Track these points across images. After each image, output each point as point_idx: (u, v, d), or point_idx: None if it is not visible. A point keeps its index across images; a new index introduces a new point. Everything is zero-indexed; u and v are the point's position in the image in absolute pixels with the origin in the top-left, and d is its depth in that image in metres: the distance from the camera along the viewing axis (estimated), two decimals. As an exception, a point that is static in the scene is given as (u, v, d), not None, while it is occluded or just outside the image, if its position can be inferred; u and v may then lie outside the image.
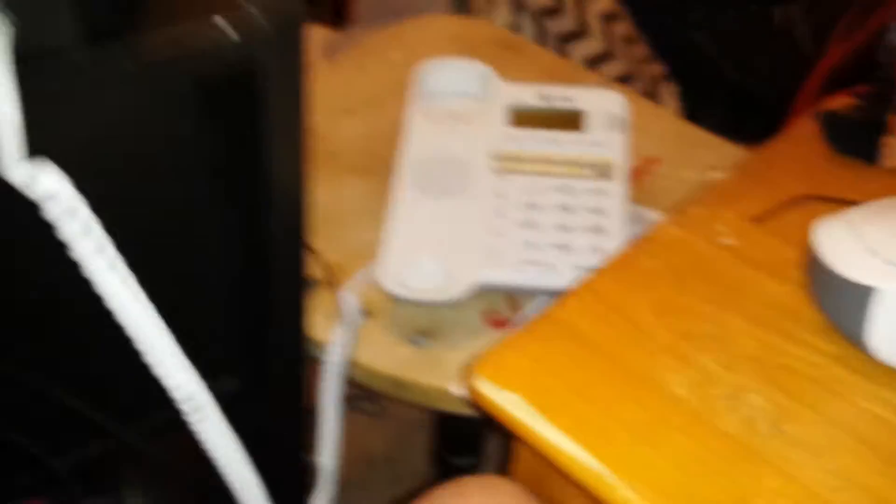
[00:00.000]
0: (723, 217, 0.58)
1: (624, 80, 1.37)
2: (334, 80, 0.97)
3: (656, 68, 1.48)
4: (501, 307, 0.70)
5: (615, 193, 0.73)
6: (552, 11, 1.35)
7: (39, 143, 0.31)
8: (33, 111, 0.31)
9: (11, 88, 0.30)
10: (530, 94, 0.80)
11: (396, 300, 0.68)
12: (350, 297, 0.68)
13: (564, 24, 1.35)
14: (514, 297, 0.71)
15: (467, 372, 0.47)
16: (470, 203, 0.73)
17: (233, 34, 0.35)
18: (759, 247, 0.56)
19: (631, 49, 1.43)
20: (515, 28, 1.33)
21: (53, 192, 0.31)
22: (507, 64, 0.98)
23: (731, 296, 0.52)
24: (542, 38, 1.33)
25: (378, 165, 0.81)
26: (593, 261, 0.69)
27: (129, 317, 0.35)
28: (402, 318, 0.68)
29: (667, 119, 0.95)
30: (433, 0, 1.47)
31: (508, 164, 0.75)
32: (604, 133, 0.77)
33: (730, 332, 0.50)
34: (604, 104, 0.79)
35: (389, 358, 0.66)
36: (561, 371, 0.46)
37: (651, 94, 1.42)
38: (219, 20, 0.34)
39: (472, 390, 0.46)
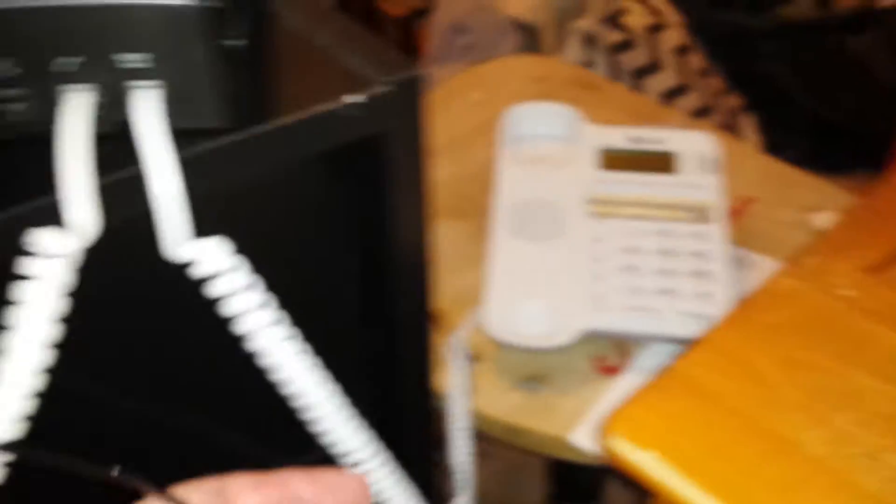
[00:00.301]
0: (838, 268, 0.56)
1: (701, 113, 1.36)
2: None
3: (733, 100, 1.46)
4: (610, 353, 0.69)
5: (715, 237, 0.72)
6: (624, 46, 1.34)
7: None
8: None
9: (177, 167, 0.30)
10: (619, 137, 0.79)
11: (504, 346, 0.68)
12: (460, 343, 0.68)
13: (638, 58, 1.34)
14: (622, 343, 0.70)
15: (599, 430, 0.47)
16: (568, 247, 0.72)
17: (360, 107, 0.35)
18: (878, 299, 0.54)
19: (706, 81, 1.41)
20: (588, 64, 1.33)
21: (226, 267, 0.32)
22: (587, 103, 0.98)
23: (855, 350, 0.51)
24: (615, 73, 1.33)
25: (470, 207, 0.81)
26: (699, 306, 0.68)
27: (302, 386, 0.36)
28: (512, 364, 0.68)
29: (756, 157, 0.94)
30: (502, 38, 1.48)
31: (603, 207, 0.74)
32: (697, 175, 0.76)
33: (859, 389, 0.48)
34: (694, 145, 0.78)
35: (502, 403, 0.65)
36: (694, 429, 0.45)
37: (730, 127, 1.40)
38: (348, 98, 0.35)
39: (608, 449, 0.45)
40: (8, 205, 0.29)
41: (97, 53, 0.30)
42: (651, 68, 1.35)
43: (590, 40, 1.33)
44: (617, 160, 0.77)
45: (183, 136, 0.32)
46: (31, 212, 0.29)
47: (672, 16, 1.42)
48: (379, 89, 0.35)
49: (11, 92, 0.30)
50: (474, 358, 0.69)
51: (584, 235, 0.73)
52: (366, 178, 0.40)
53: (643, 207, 0.74)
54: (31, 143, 0.32)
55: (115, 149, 0.32)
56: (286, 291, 0.38)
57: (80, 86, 0.31)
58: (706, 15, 1.53)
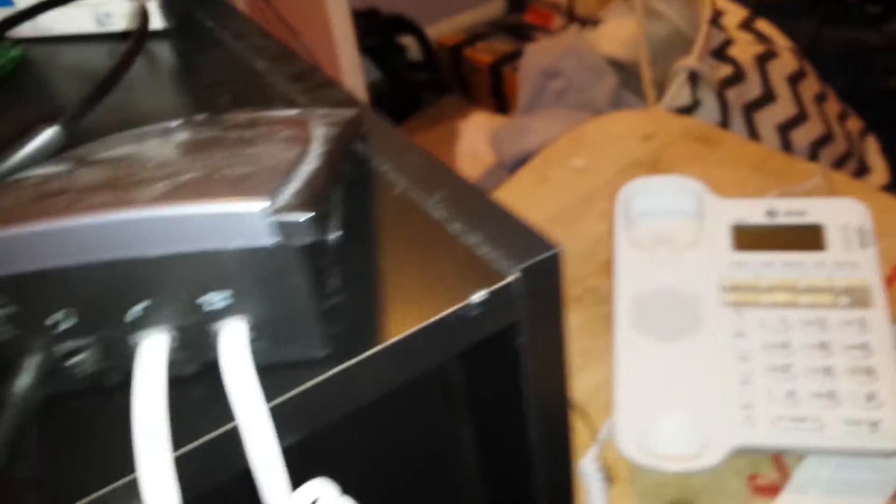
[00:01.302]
0: None
1: (822, 143, 1.25)
2: (516, 194, 0.91)
3: (854, 123, 1.35)
4: (765, 469, 0.61)
5: (877, 324, 0.63)
6: (734, 80, 1.25)
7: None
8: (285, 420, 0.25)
9: (269, 421, 0.24)
10: (754, 210, 0.70)
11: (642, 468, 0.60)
12: (593, 467, 0.60)
13: (749, 91, 1.24)
14: (778, 457, 0.61)
15: None
16: (706, 345, 0.64)
17: (488, 304, 0.28)
18: None
19: (823, 107, 1.30)
20: (695, 104, 1.24)
21: None
22: (705, 160, 0.90)
23: None
24: (725, 109, 1.23)
25: (583, 293, 0.74)
26: (865, 412, 0.59)
27: None
28: (653, 486, 0.60)
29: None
30: (598, 79, 1.40)
31: (743, 295, 0.66)
32: (849, 250, 0.67)
33: None
34: (843, 215, 0.69)
35: (643, 541, 0.57)
36: None
37: (853, 153, 1.29)
38: (477, 296, 0.28)
39: None
40: (76, 480, 0.23)
41: (174, 298, 0.24)
42: (764, 100, 1.25)
43: (695, 78, 1.23)
44: (753, 238, 0.69)
45: (278, 371, 0.26)
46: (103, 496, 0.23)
47: (781, 40, 1.32)
48: (509, 278, 0.29)
49: (76, 343, 0.25)
50: (606, 479, 0.61)
51: (723, 331, 0.64)
52: (497, 372, 0.34)
53: (789, 293, 0.65)
54: (96, 393, 0.27)
55: (195, 396, 0.26)
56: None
57: (153, 330, 0.25)
58: (818, 34, 1.42)
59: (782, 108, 1.25)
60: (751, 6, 1.36)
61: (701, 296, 0.66)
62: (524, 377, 0.31)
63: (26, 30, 0.49)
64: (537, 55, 1.50)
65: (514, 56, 1.93)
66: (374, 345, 0.27)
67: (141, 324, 0.25)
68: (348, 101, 0.39)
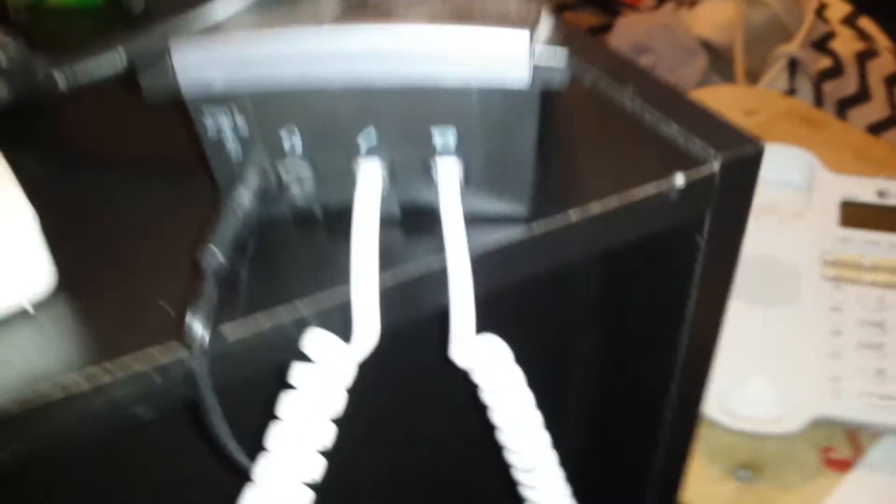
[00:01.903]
0: None
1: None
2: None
3: (942, 136, 1.32)
4: (840, 444, 0.60)
5: (980, 315, 0.62)
6: (832, 73, 1.23)
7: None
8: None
9: (469, 266, 0.25)
10: (864, 188, 0.70)
11: (718, 427, 0.60)
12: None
13: (846, 87, 1.22)
14: (854, 433, 0.61)
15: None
16: (802, 315, 0.64)
17: (686, 191, 0.28)
18: None
19: (916, 115, 1.28)
20: (791, 92, 1.22)
21: (504, 369, 0.26)
22: (809, 142, 0.89)
23: None
24: (819, 103, 1.21)
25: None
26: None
27: (545, 480, 0.30)
28: (724, 447, 0.60)
29: None
30: (689, 59, 1.38)
31: (844, 271, 0.65)
32: (958, 240, 0.66)
33: None
34: (956, 205, 0.68)
35: (712, 497, 0.58)
36: None
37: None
38: (679, 179, 0.28)
39: None
40: (285, 296, 0.24)
41: (399, 129, 0.25)
42: (859, 98, 1.23)
43: (794, 66, 1.22)
44: (861, 216, 0.68)
45: (482, 224, 0.27)
46: (314, 314, 0.24)
47: (883, 40, 1.29)
48: (709, 168, 0.29)
49: (299, 167, 0.26)
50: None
51: (821, 303, 0.64)
52: (660, 264, 0.34)
53: (891, 274, 0.65)
54: (306, 220, 0.28)
55: (398, 233, 0.27)
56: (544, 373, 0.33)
57: (371, 160, 0.26)
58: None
59: (876, 109, 1.22)
60: (854, 3, 1.33)
61: (802, 267, 0.66)
62: (696, 278, 0.32)
63: None
64: (629, 29, 1.48)
65: (602, 29, 1.90)
66: (576, 212, 0.27)
67: (366, 149, 0.25)
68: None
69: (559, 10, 2.15)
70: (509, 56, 0.23)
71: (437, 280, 0.26)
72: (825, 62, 1.23)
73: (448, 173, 0.26)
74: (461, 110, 0.24)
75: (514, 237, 0.27)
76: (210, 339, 0.22)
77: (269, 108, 0.25)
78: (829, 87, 1.22)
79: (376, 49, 0.23)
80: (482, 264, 0.26)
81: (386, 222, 0.26)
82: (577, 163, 0.30)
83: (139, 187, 0.30)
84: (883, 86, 1.25)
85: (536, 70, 0.23)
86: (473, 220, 0.26)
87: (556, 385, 0.43)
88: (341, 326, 0.25)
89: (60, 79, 0.31)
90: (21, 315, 0.24)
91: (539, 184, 0.27)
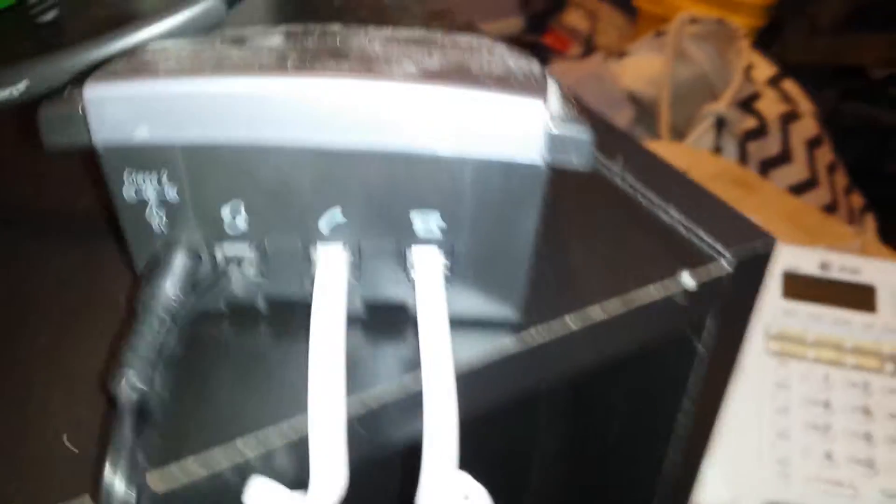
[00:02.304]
0: None
1: (827, 211, 1.24)
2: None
3: (857, 199, 1.35)
4: (789, 529, 0.57)
5: (924, 397, 0.60)
6: (756, 133, 1.23)
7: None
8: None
9: (454, 391, 0.20)
10: (807, 260, 0.68)
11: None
12: None
13: (769, 147, 1.23)
14: (802, 518, 0.58)
15: None
16: (746, 393, 0.61)
17: (687, 288, 0.24)
18: None
19: (833, 178, 1.30)
20: (716, 150, 1.22)
21: None
22: (742, 205, 0.87)
23: None
24: (743, 162, 1.22)
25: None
26: (905, 485, 0.56)
27: None
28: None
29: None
30: (616, 111, 1.38)
31: (788, 346, 0.63)
32: (902, 317, 0.65)
33: None
34: (897, 280, 0.67)
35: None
36: None
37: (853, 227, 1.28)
38: (685, 279, 0.24)
39: None
40: (223, 432, 0.19)
41: (370, 208, 0.20)
42: (781, 159, 1.24)
43: (720, 124, 1.22)
44: (804, 289, 0.66)
45: (464, 331, 0.22)
46: (259, 455, 0.19)
47: (805, 104, 1.31)
48: (719, 267, 0.25)
49: (241, 249, 0.20)
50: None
51: (765, 379, 0.61)
52: (650, 372, 0.30)
53: (835, 350, 0.63)
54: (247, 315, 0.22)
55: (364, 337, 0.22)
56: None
57: (334, 247, 0.21)
58: (837, 106, 1.42)
59: (797, 171, 1.24)
60: (777, 66, 1.35)
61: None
62: (690, 389, 0.28)
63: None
64: (559, 76, 1.47)
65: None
66: (572, 316, 0.23)
67: (327, 234, 0.20)
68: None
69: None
70: (520, 126, 0.18)
71: (409, 405, 0.21)
72: (750, 122, 1.23)
73: (429, 267, 0.21)
74: (450, 188, 0.20)
75: (505, 349, 0.22)
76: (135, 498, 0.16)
77: (208, 173, 0.19)
78: (753, 146, 1.23)
79: (351, 108, 0.18)
80: (464, 383, 0.21)
81: (347, 322, 0.21)
82: (566, 253, 0.25)
83: (31, 257, 0.24)
84: (804, 148, 1.27)
85: (553, 141, 0.19)
86: (452, 325, 0.22)
87: (517, 491, 0.38)
88: (295, 465, 0.19)
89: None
90: None
91: (531, 281, 0.22)
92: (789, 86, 1.32)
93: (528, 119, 0.18)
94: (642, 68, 1.45)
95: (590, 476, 0.36)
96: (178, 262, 0.20)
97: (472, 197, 0.20)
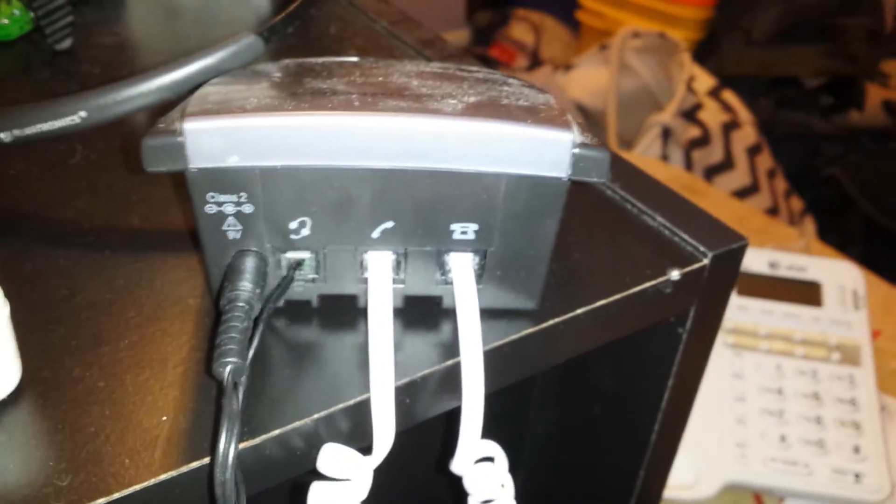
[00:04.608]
0: None
1: (768, 214, 1.31)
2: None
3: (796, 203, 1.42)
4: (748, 507, 0.62)
5: (867, 382, 0.66)
6: (700, 142, 1.30)
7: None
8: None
9: (482, 366, 0.24)
10: (757, 260, 0.73)
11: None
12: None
13: (712, 155, 1.30)
14: (760, 497, 0.63)
15: None
16: (708, 382, 0.65)
17: (681, 284, 0.28)
18: None
19: (773, 183, 1.37)
20: (664, 159, 1.28)
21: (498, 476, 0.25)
22: (693, 210, 0.92)
23: None
24: (689, 169, 1.28)
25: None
26: (850, 463, 0.61)
27: None
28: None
29: (881, 287, 0.88)
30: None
31: (743, 338, 0.68)
32: (844, 310, 0.70)
33: None
34: (839, 277, 0.72)
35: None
36: None
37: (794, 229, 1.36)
38: (674, 274, 0.28)
39: None
40: (299, 410, 0.22)
41: (416, 221, 0.23)
42: (724, 166, 1.30)
43: (666, 134, 1.28)
44: (755, 285, 0.71)
45: (490, 319, 0.26)
46: (330, 416, 0.22)
47: (744, 113, 1.38)
48: (700, 263, 0.29)
49: (304, 256, 0.24)
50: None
51: (723, 370, 0.66)
52: (639, 355, 0.34)
53: (786, 342, 0.68)
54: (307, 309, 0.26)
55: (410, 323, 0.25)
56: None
57: (383, 254, 0.24)
58: (773, 114, 1.49)
59: (739, 177, 1.30)
60: (716, 78, 1.42)
61: (702, 333, 0.68)
62: (675, 368, 0.32)
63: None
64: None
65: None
66: (581, 306, 0.27)
67: (378, 242, 0.24)
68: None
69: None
70: (552, 151, 0.22)
71: (446, 381, 0.24)
72: (694, 131, 1.30)
73: (464, 271, 0.25)
74: (486, 202, 0.23)
75: (524, 332, 0.26)
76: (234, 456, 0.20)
77: (281, 192, 0.23)
78: (697, 154, 1.29)
79: (411, 142, 0.22)
80: (491, 360, 0.25)
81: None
82: (572, 253, 0.29)
83: (109, 265, 0.27)
84: (745, 155, 1.34)
85: (577, 160, 0.22)
86: (481, 314, 0.25)
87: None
88: (351, 429, 0.23)
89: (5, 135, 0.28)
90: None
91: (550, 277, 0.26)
92: (728, 96, 1.39)
93: (558, 145, 0.22)
94: (588, 81, 1.51)
95: (578, 454, 0.40)
96: (252, 266, 0.24)
97: (504, 209, 0.23)
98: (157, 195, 0.30)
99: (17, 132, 0.28)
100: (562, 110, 0.24)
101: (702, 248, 0.29)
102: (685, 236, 0.30)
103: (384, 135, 0.22)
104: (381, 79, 0.25)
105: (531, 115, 0.23)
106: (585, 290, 0.27)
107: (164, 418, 0.22)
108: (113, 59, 0.41)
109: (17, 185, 0.31)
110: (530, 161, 0.22)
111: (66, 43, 0.41)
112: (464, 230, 0.24)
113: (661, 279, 0.28)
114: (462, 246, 0.24)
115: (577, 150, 0.22)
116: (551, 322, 0.26)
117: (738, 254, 0.30)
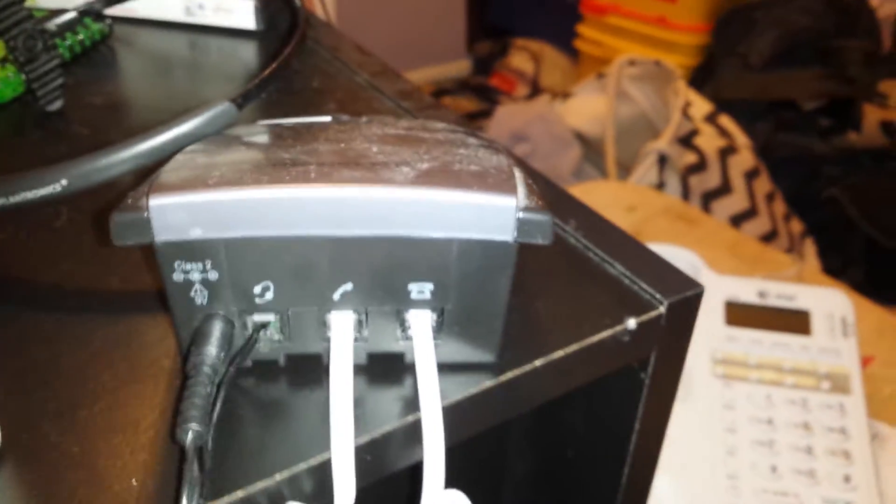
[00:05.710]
0: None
1: (768, 238, 1.32)
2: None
3: (796, 225, 1.43)
4: (740, 539, 0.63)
5: (857, 411, 0.67)
6: (697, 168, 1.31)
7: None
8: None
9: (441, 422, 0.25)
10: (746, 289, 0.74)
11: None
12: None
13: (709, 180, 1.31)
14: (754, 528, 0.63)
15: None
16: (696, 414, 0.66)
17: (638, 332, 0.30)
18: None
19: (772, 206, 1.38)
20: (660, 185, 1.29)
21: None
22: (685, 238, 0.94)
23: None
24: (686, 195, 1.29)
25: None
26: (841, 492, 0.62)
27: None
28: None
29: (873, 311, 0.89)
30: (563, 149, 1.45)
31: (732, 369, 0.69)
32: (833, 339, 0.71)
33: None
34: (828, 305, 0.73)
35: None
36: None
37: (792, 252, 1.36)
38: (631, 323, 0.29)
39: None
40: (261, 468, 0.23)
41: (375, 282, 0.25)
42: (721, 191, 1.31)
43: (663, 161, 1.29)
44: (744, 316, 0.72)
45: (450, 373, 0.27)
46: (293, 476, 0.23)
47: (741, 138, 1.40)
48: (661, 309, 0.30)
49: (269, 316, 0.25)
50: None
51: (713, 401, 0.67)
52: (605, 400, 0.35)
53: (775, 372, 0.69)
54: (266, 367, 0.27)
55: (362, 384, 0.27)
56: None
57: (345, 314, 0.25)
58: (771, 138, 1.51)
59: (737, 201, 1.31)
60: (713, 103, 1.44)
61: (694, 365, 0.69)
62: (640, 412, 0.33)
63: (114, 9, 0.48)
64: (508, 118, 1.54)
65: (478, 115, 1.97)
66: (539, 357, 0.28)
67: (339, 303, 0.25)
68: (460, 125, 0.40)
69: (438, 95, 2.21)
70: (497, 216, 0.24)
71: (408, 435, 0.26)
72: (691, 157, 1.31)
73: (422, 327, 0.26)
74: (440, 263, 0.25)
75: (484, 385, 0.27)
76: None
77: (244, 260, 0.24)
78: (694, 180, 1.30)
79: (365, 207, 0.23)
80: (452, 414, 0.26)
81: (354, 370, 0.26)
82: (534, 302, 0.30)
83: (88, 327, 0.28)
84: (743, 180, 1.35)
85: (522, 224, 0.24)
86: (441, 369, 0.26)
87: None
88: (314, 487, 0.24)
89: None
90: None
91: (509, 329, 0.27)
92: (725, 121, 1.40)
93: (502, 211, 0.23)
94: (587, 108, 1.53)
95: (556, 495, 0.41)
96: (218, 330, 0.25)
97: (457, 269, 0.25)
98: (136, 255, 0.32)
99: (2, 201, 0.30)
100: (510, 173, 0.25)
101: (658, 296, 0.30)
102: (643, 284, 0.31)
103: (338, 205, 0.23)
104: (342, 145, 0.26)
105: (479, 180, 0.24)
106: (544, 340, 0.28)
107: (134, 482, 0.23)
108: (102, 119, 0.43)
109: (6, 249, 0.33)
110: (477, 226, 0.24)
111: (57, 104, 0.43)
112: (420, 290, 0.25)
113: (618, 328, 0.29)
114: (420, 304, 0.26)
115: (521, 215, 0.24)
116: (510, 375, 0.27)
117: (695, 301, 0.31)
